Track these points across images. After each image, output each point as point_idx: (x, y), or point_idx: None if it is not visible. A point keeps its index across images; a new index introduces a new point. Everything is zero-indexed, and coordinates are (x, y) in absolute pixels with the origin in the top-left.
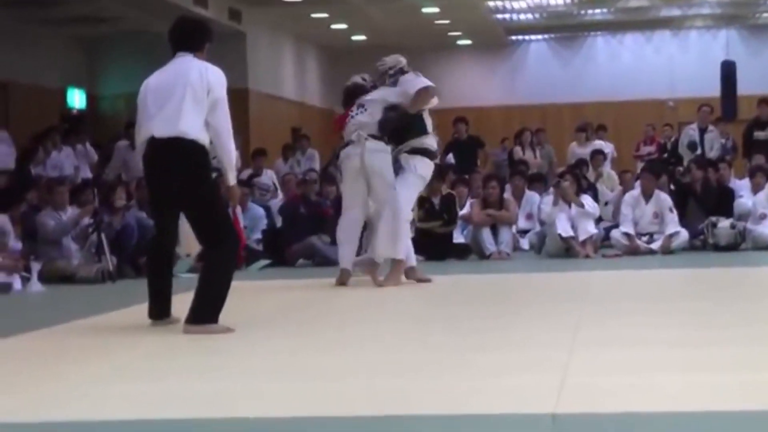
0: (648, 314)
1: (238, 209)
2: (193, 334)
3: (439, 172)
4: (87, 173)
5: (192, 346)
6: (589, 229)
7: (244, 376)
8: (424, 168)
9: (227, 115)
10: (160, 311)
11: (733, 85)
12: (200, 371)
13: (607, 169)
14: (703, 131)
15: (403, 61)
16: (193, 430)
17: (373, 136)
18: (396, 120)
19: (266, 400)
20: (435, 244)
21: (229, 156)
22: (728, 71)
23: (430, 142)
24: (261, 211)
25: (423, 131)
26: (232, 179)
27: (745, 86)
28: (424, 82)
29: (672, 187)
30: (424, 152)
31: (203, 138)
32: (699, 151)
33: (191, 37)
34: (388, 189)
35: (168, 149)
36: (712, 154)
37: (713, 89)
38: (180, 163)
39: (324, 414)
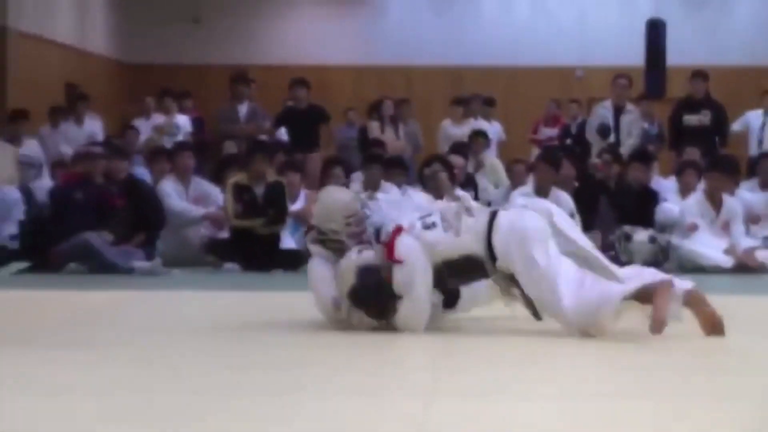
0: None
1: None
2: None
3: (266, 151)
4: None
5: None
6: None
7: None
8: None
9: None
10: None
11: (661, 52)
12: None
13: (491, 156)
14: (619, 111)
15: None
16: None
17: None
18: None
19: None
20: (256, 248)
21: None
22: (655, 33)
23: None
24: (15, 193)
25: None
26: None
27: (676, 55)
28: None
29: (576, 183)
30: None
31: None
32: (612, 138)
33: None
34: None
35: None
36: (631, 142)
37: (635, 57)
38: None
39: None
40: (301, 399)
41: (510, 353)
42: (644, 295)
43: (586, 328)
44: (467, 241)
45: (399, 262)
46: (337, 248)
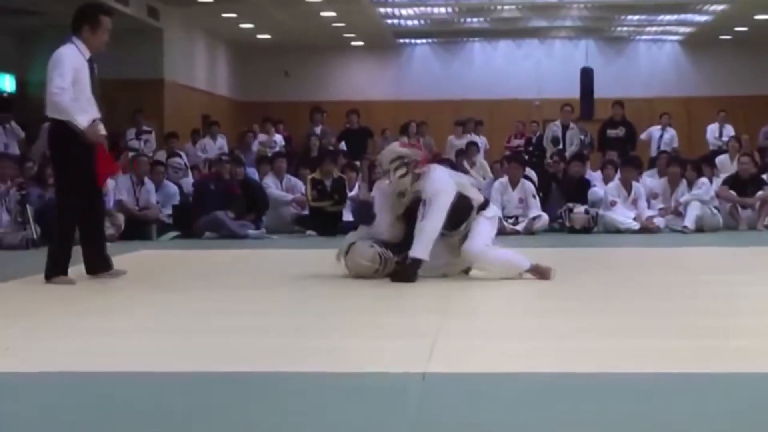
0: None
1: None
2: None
3: (333, 157)
4: (15, 150)
5: (104, 306)
6: None
7: (151, 333)
8: None
9: (51, 81)
10: (96, 266)
11: (591, 88)
12: (110, 330)
13: (480, 159)
14: (565, 128)
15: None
16: (105, 382)
17: None
18: None
19: (173, 356)
20: (327, 221)
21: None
22: (587, 76)
23: None
24: (174, 188)
25: None
26: (80, 123)
27: (601, 90)
28: None
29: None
30: None
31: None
32: (561, 146)
33: (73, 21)
34: None
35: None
36: (572, 148)
37: (574, 91)
38: None
39: (221, 369)
40: (327, 336)
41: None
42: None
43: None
44: (473, 193)
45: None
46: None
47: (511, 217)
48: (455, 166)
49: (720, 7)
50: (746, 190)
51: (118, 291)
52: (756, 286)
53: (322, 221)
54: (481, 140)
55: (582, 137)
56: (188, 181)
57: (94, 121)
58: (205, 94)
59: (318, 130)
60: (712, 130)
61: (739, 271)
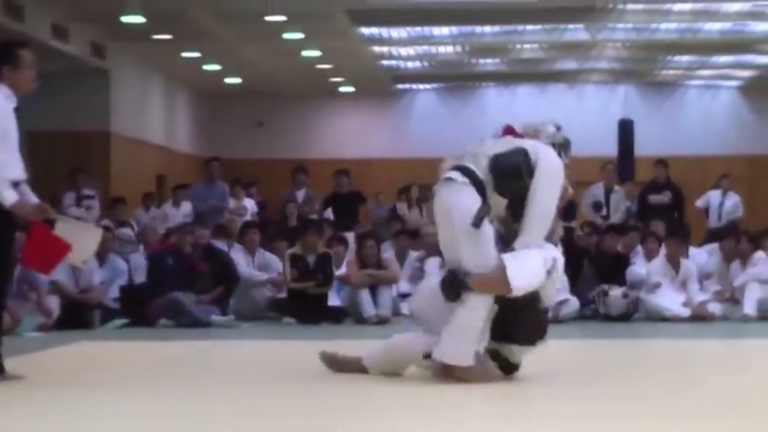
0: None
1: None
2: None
3: (317, 228)
4: None
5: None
6: None
7: None
8: None
9: None
10: None
11: (630, 144)
12: None
13: None
14: (609, 191)
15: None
16: None
17: None
18: None
19: None
20: (308, 305)
21: None
22: (626, 129)
23: None
24: (123, 264)
25: None
26: (6, 199)
27: (643, 146)
28: None
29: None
30: None
31: None
32: (604, 212)
33: None
34: None
35: None
36: (618, 215)
37: (610, 148)
38: None
39: None
40: None
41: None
42: None
43: None
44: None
45: None
46: None
47: None
48: None
49: None
50: None
51: (30, 395)
52: None
53: (302, 306)
54: None
55: (629, 203)
56: (139, 257)
57: (18, 185)
58: (162, 150)
59: (300, 194)
60: None
61: None
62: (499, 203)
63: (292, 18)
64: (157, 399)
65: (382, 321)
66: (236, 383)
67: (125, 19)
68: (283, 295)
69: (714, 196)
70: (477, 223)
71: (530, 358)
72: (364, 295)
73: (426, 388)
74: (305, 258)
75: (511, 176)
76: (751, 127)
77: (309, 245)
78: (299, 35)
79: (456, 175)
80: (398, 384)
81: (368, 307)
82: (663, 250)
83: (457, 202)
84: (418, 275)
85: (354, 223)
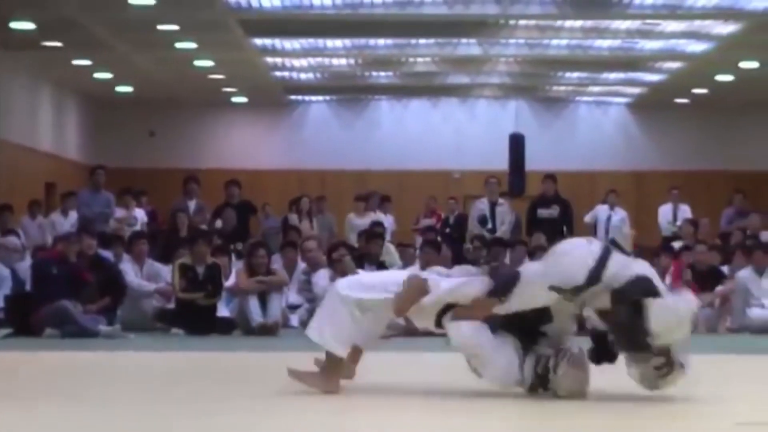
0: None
1: None
2: None
3: (206, 239)
4: None
5: None
6: None
7: None
8: None
9: None
10: None
11: (521, 158)
12: None
13: (386, 243)
14: (493, 205)
15: None
16: None
17: None
18: None
19: None
20: (197, 317)
21: None
22: (517, 144)
23: None
24: (6, 272)
25: None
26: None
27: (534, 161)
28: None
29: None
30: None
31: None
32: (490, 225)
33: None
34: None
35: None
36: (504, 228)
37: (502, 162)
38: None
39: None
40: None
41: None
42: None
43: None
44: None
45: None
46: None
47: None
48: (354, 250)
49: (675, 65)
50: (704, 285)
51: None
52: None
53: (191, 317)
54: (388, 219)
55: (512, 217)
56: (25, 266)
57: None
58: (50, 158)
59: (192, 204)
60: (665, 212)
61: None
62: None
63: (184, 27)
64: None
65: (270, 330)
66: (113, 408)
67: (15, 25)
68: (172, 305)
69: (602, 210)
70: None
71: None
72: (253, 303)
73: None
74: (195, 268)
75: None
76: (639, 144)
77: (199, 255)
78: (192, 45)
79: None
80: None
81: (256, 315)
82: None
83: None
84: (306, 287)
85: (245, 235)
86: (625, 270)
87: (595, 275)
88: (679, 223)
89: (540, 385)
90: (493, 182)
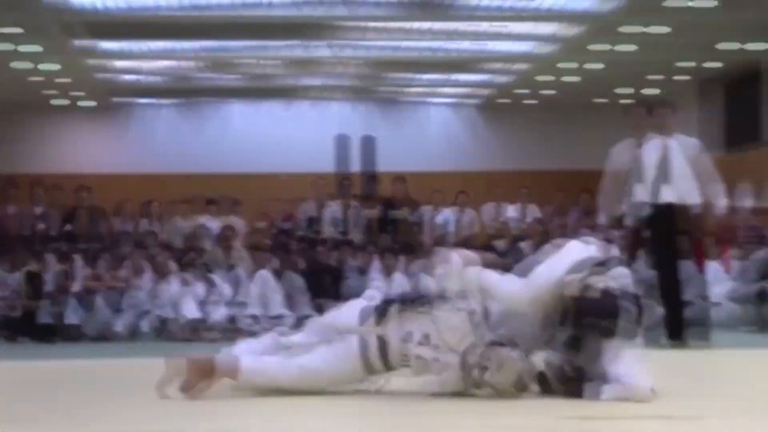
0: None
1: None
2: None
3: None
4: None
5: None
6: (223, 311)
7: None
8: None
9: None
10: None
11: (372, 160)
12: None
13: (237, 245)
14: (321, 206)
15: None
16: None
17: None
18: None
19: None
20: (44, 324)
21: None
22: (368, 146)
23: None
24: None
25: None
26: None
27: (385, 162)
28: None
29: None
30: None
31: None
32: (342, 228)
33: None
34: None
35: None
36: (357, 229)
37: (354, 164)
38: None
39: None
40: None
41: None
42: None
43: None
44: None
45: None
46: None
47: (275, 317)
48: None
49: (524, 67)
50: None
51: None
52: None
53: (39, 325)
54: (240, 222)
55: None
56: None
57: None
58: None
59: (39, 209)
60: (488, 210)
61: None
62: None
63: (1, 28)
64: None
65: (115, 335)
66: None
67: None
68: (18, 313)
69: (452, 212)
70: None
71: None
72: (102, 306)
73: None
74: (41, 275)
75: None
76: (489, 145)
77: (45, 263)
78: (10, 46)
79: None
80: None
81: (107, 318)
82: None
83: None
84: (153, 293)
85: (97, 239)
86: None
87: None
88: (529, 220)
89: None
90: (321, 183)
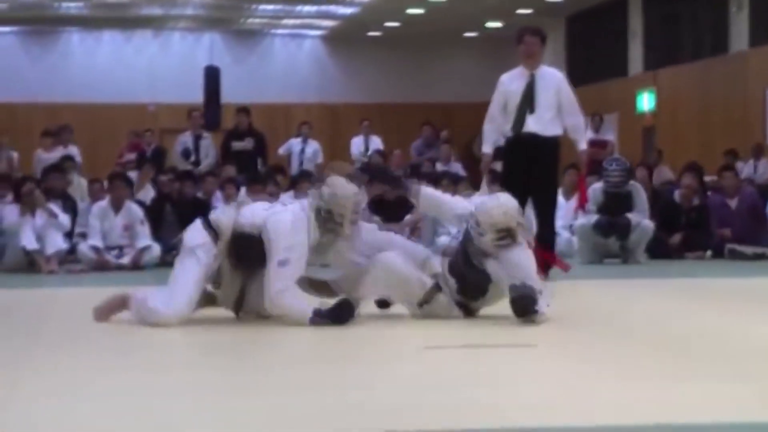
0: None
1: None
2: None
3: None
4: None
5: None
6: (58, 242)
7: None
8: None
9: None
10: None
11: (217, 91)
12: None
13: (77, 176)
14: (198, 138)
15: None
16: None
17: None
18: None
19: None
20: None
21: None
22: (212, 77)
23: None
24: None
25: None
26: None
27: (229, 93)
28: None
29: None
30: None
31: None
32: (193, 159)
33: None
34: None
35: None
36: (207, 161)
37: (197, 95)
38: None
39: None
40: None
41: None
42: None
43: None
44: None
45: None
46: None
47: (114, 248)
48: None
49: None
50: (395, 214)
51: None
52: None
53: None
54: (74, 151)
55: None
56: None
57: None
58: None
59: None
60: (357, 143)
61: None
62: None
63: None
64: None
65: None
66: None
67: None
68: None
69: (295, 143)
70: None
71: None
72: None
73: None
74: None
75: None
76: (333, 76)
77: None
78: None
79: None
80: None
81: None
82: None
83: None
84: None
85: None
86: None
87: None
88: (370, 153)
89: None
90: (196, 115)
